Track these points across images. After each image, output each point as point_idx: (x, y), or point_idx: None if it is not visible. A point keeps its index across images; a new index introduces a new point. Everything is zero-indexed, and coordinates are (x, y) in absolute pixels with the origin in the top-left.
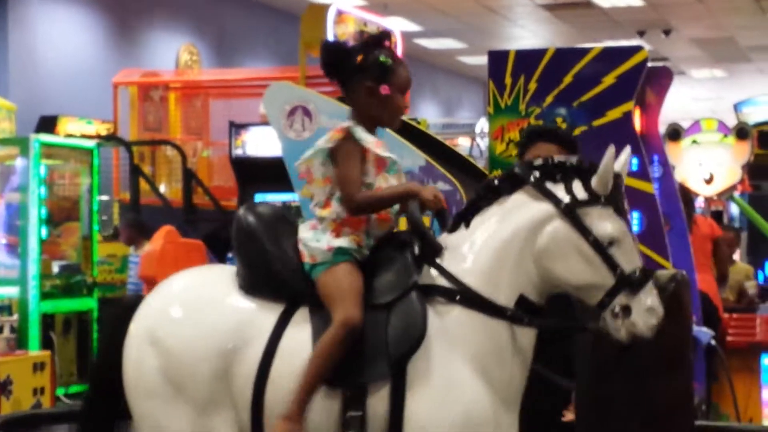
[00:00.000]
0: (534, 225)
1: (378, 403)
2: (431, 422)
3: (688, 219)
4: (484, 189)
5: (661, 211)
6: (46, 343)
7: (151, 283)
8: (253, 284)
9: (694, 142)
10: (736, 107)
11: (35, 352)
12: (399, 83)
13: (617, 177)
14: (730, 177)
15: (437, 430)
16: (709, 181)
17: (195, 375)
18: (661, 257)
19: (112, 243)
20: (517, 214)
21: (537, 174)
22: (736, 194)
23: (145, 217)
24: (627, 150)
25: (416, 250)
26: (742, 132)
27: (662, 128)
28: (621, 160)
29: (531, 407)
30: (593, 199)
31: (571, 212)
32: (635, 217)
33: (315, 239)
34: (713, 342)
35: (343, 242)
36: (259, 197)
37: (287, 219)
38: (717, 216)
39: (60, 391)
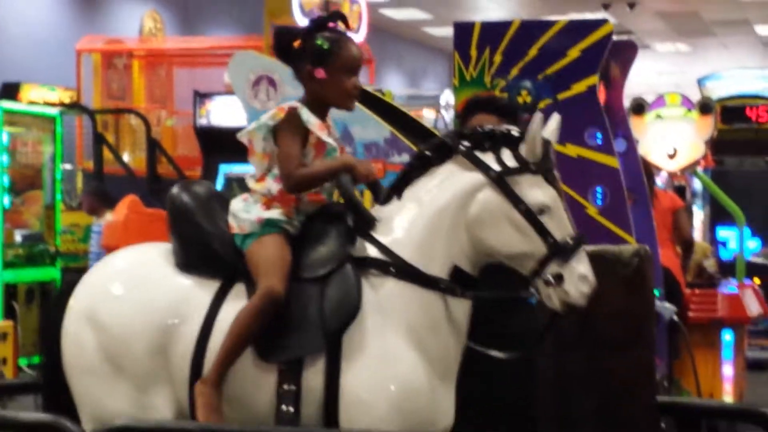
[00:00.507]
0: (465, 194)
1: (313, 376)
2: (367, 394)
3: (650, 193)
4: (415, 160)
5: (624, 185)
6: (9, 313)
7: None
8: (188, 261)
9: (658, 116)
10: (700, 82)
11: None
12: (342, 65)
13: (546, 144)
14: (694, 152)
15: (373, 401)
16: (672, 156)
17: (133, 352)
18: (624, 232)
19: (75, 212)
20: (448, 184)
21: (467, 143)
22: (699, 169)
23: (108, 186)
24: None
25: (349, 222)
26: (705, 107)
27: (626, 102)
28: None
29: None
30: (523, 167)
31: (501, 180)
32: (598, 191)
33: (245, 210)
34: (675, 318)
35: (272, 214)
36: (223, 167)
37: (221, 197)
38: (680, 191)
39: (23, 362)
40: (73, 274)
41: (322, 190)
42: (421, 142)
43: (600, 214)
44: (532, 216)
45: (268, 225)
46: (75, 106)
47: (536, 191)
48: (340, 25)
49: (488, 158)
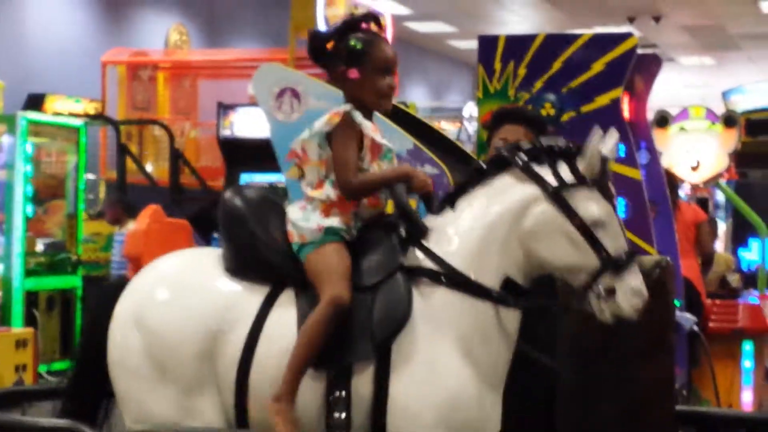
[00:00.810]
0: (520, 207)
1: (362, 383)
2: (415, 403)
3: (673, 205)
4: (472, 172)
5: (647, 197)
6: (30, 320)
7: (135, 261)
8: (239, 267)
9: (682, 129)
10: (725, 95)
11: (18, 329)
12: (376, 65)
13: (604, 160)
14: (717, 164)
15: (421, 410)
16: (695, 168)
17: (179, 356)
18: (646, 243)
19: (97, 221)
20: (504, 196)
21: (524, 156)
22: (723, 182)
23: (131, 196)
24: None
25: (402, 232)
26: (729, 120)
27: (650, 114)
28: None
29: (520, 390)
30: (579, 182)
31: (557, 195)
32: (621, 203)
33: (304, 219)
34: (696, 327)
35: (332, 222)
36: (245, 177)
37: (273, 201)
38: (702, 203)
39: (42, 368)
40: (122, 278)
41: (381, 196)
42: (444, 154)
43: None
44: (586, 230)
45: (328, 233)
46: (99, 117)
47: (592, 205)
48: (373, 27)
49: (545, 172)
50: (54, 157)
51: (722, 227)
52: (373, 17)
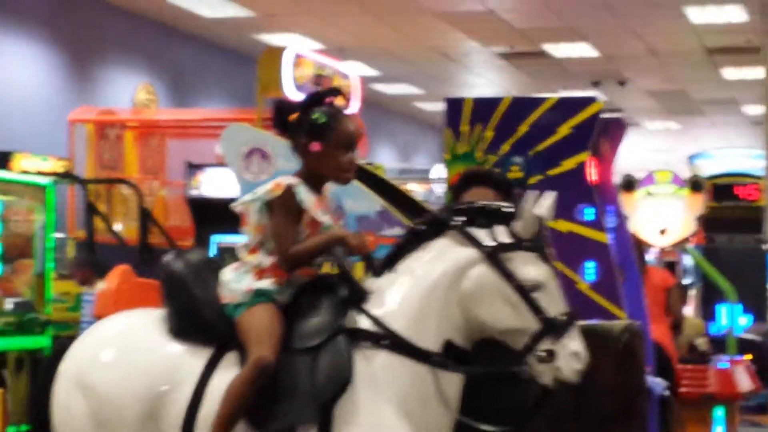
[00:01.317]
0: (458, 270)
1: None
2: None
3: (641, 269)
4: (408, 234)
5: (615, 261)
6: None
7: None
8: (181, 329)
9: (648, 193)
10: (691, 159)
11: None
12: (339, 139)
13: (540, 221)
14: (684, 229)
15: None
16: (663, 232)
17: (123, 418)
18: (615, 307)
19: (66, 281)
20: (442, 258)
21: (461, 218)
22: (690, 246)
23: (100, 255)
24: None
25: (342, 294)
26: (696, 185)
27: (617, 179)
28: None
29: None
30: (517, 243)
31: (494, 257)
32: (590, 266)
33: (236, 280)
34: (667, 393)
35: (263, 284)
36: (215, 238)
37: (215, 264)
38: (670, 267)
39: (11, 430)
40: (64, 340)
41: (313, 263)
42: (412, 215)
43: (591, 289)
44: (525, 293)
45: (258, 295)
46: (67, 176)
47: (530, 268)
48: (337, 101)
49: (482, 234)
50: (22, 215)
51: (691, 292)
52: (338, 92)
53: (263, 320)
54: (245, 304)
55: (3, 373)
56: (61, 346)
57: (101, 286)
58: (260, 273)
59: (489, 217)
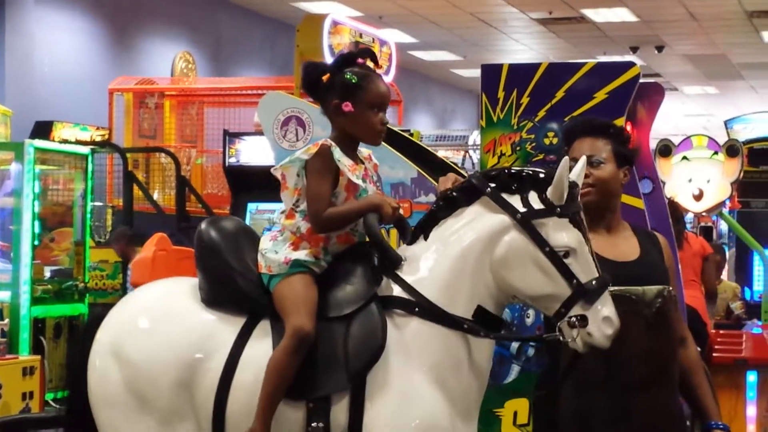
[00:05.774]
0: (491, 236)
1: (340, 413)
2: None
3: (680, 236)
4: (441, 200)
5: (650, 226)
6: (37, 348)
7: None
8: (214, 297)
9: (685, 158)
10: (727, 124)
11: (25, 356)
12: (369, 99)
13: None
14: (720, 193)
15: None
16: (698, 198)
17: (157, 386)
18: None
19: (104, 249)
20: (474, 225)
21: (493, 185)
22: (725, 211)
23: (138, 223)
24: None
25: (375, 261)
26: (732, 149)
27: (653, 144)
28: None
29: None
30: (549, 209)
31: (526, 223)
32: None
33: (273, 250)
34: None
35: (300, 255)
36: (251, 206)
37: (250, 232)
38: (707, 232)
39: (49, 396)
40: (101, 307)
41: (353, 232)
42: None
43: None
44: (556, 258)
45: (294, 265)
46: (106, 145)
47: (561, 234)
48: (369, 63)
49: (515, 200)
50: (61, 184)
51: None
52: (370, 53)
53: (300, 290)
54: (282, 275)
55: (42, 340)
56: (98, 314)
57: (138, 254)
58: (297, 241)
59: (522, 183)
